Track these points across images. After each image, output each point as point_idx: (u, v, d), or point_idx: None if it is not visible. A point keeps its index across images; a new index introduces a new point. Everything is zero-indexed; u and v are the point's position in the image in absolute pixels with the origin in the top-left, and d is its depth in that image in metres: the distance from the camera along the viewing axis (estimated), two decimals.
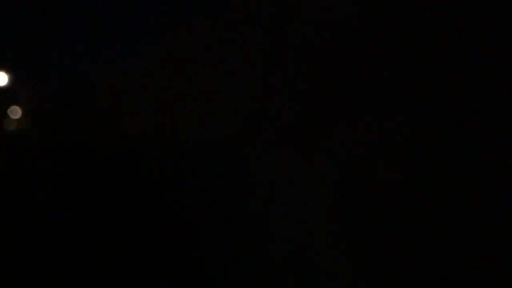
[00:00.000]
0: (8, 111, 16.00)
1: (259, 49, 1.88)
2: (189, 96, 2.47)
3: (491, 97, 1.05)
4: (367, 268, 1.35)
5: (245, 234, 1.92)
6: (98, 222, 2.10)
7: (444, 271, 1.15)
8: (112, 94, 4.08)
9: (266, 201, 1.81)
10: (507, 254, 1.01)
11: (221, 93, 2.15)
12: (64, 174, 2.24)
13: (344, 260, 1.43)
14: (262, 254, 1.82)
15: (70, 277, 1.93)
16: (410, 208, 1.23)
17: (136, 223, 2.16)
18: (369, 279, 1.34)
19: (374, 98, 1.35)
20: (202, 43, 2.34)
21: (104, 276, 1.94)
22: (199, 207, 2.26)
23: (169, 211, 2.27)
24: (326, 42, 1.53)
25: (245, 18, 1.98)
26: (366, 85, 1.38)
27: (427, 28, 1.19)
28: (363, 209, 1.37)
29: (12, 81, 18.18)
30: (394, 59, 1.29)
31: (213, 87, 2.22)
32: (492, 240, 1.05)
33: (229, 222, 2.03)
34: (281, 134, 1.73)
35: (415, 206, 1.22)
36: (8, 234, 2.02)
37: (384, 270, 1.30)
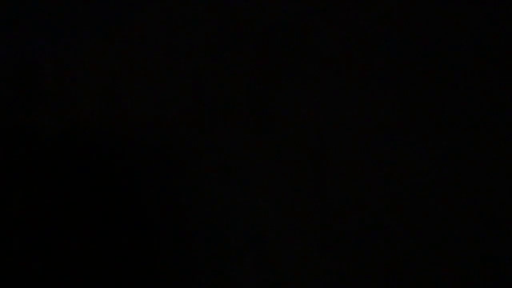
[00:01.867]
0: None
1: (203, 25, 1.72)
2: (134, 76, 2.32)
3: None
4: (330, 254, 1.22)
5: (200, 219, 1.81)
6: (44, 211, 1.95)
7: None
8: (57, 77, 3.86)
9: (220, 183, 1.69)
10: None
11: (167, 73, 2.02)
12: (5, 160, 2.05)
13: (305, 246, 1.31)
14: (218, 240, 1.72)
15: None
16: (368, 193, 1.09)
17: (84, 210, 2.02)
18: (334, 265, 1.22)
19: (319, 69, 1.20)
20: (147, 22, 2.18)
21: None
22: (150, 194, 2.14)
23: (118, 198, 2.16)
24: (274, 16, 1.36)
25: None
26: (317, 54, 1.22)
27: None
28: (323, 191, 1.24)
29: None
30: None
31: (158, 66, 2.08)
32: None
33: (182, 208, 1.92)
34: (232, 113, 1.59)
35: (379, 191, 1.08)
36: None
37: (350, 258, 1.17)
